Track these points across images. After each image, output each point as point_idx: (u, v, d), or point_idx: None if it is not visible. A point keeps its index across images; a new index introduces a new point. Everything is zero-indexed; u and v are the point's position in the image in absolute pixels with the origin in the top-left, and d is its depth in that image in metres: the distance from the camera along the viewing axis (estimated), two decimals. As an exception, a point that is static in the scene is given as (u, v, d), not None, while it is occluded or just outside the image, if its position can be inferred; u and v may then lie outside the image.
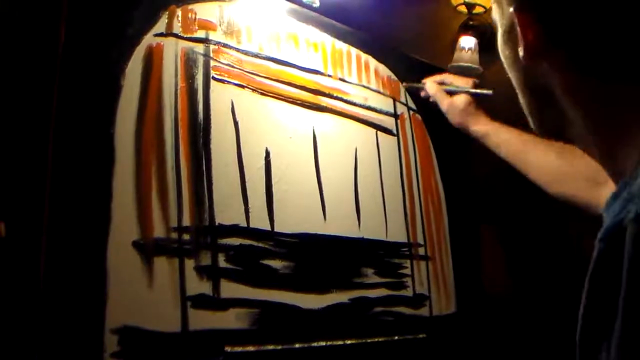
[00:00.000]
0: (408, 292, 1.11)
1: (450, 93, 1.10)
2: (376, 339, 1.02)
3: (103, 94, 0.76)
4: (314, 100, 1.05)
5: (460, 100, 1.07)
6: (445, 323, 1.16)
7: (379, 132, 1.16)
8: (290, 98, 1.00)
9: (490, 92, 1.08)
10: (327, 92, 1.07)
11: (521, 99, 0.52)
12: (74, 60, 0.74)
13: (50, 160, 0.71)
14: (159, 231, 0.78)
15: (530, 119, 0.52)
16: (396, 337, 1.05)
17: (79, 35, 0.75)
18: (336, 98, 1.09)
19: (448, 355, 1.14)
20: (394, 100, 1.23)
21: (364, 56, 1.18)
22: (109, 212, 0.73)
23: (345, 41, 1.14)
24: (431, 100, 1.12)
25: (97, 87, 0.76)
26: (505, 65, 0.52)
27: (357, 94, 1.14)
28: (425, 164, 1.25)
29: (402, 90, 1.25)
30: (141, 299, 0.74)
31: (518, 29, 0.45)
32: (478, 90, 1.09)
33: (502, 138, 1.00)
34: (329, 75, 1.09)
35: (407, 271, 1.13)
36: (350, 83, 1.13)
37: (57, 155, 0.71)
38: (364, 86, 1.16)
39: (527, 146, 0.95)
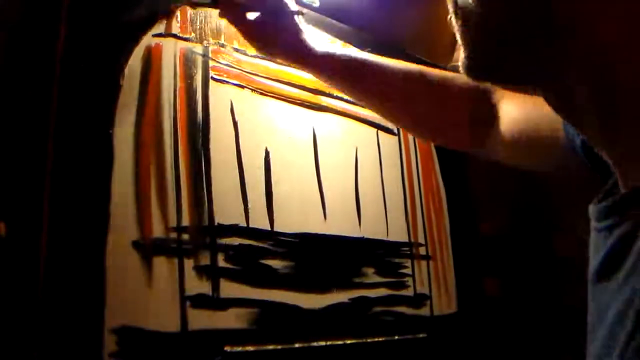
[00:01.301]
0: (409, 292, 1.11)
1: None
2: (376, 339, 1.01)
3: (102, 94, 0.76)
4: (314, 99, 1.05)
5: (280, 24, 0.76)
6: (446, 323, 1.16)
7: (379, 131, 1.16)
8: (290, 98, 1.00)
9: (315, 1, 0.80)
10: (327, 91, 1.07)
11: (490, 11, 0.41)
12: (74, 60, 0.74)
13: (50, 160, 0.71)
14: (158, 231, 0.78)
15: (488, 48, 0.42)
16: (396, 337, 1.05)
17: (79, 35, 0.75)
18: (336, 97, 1.09)
19: (449, 355, 1.14)
20: (395, 100, 1.22)
21: (364, 56, 1.18)
22: (108, 212, 0.74)
23: (345, 41, 1.14)
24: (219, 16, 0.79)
25: (96, 87, 0.76)
26: None
27: (358, 94, 1.14)
28: (426, 163, 1.25)
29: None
30: (140, 299, 0.74)
31: None
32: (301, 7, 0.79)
33: (361, 58, 0.77)
34: (329, 75, 1.09)
35: (408, 271, 1.12)
36: (350, 83, 1.13)
37: (57, 156, 0.71)
38: (364, 86, 1.16)
39: (407, 68, 0.75)
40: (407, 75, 0.75)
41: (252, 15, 0.77)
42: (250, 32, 0.78)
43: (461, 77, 0.65)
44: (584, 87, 0.39)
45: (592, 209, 0.42)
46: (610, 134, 0.40)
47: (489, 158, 0.73)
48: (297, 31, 0.77)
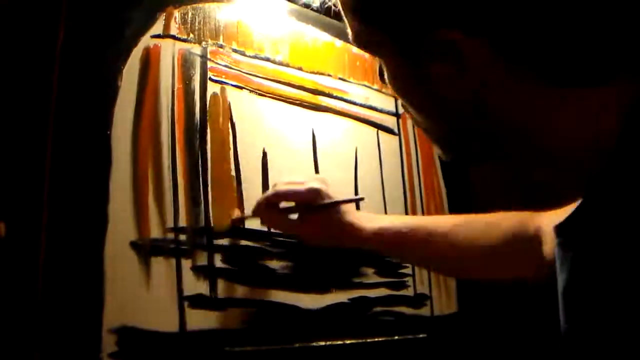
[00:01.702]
0: (409, 292, 1.11)
1: (311, 210, 0.80)
2: (376, 339, 1.01)
3: (100, 95, 0.77)
4: (313, 100, 1.05)
5: (314, 217, 0.80)
6: (447, 323, 1.16)
7: (380, 131, 1.16)
8: (288, 98, 1.00)
9: (362, 197, 0.86)
10: (326, 91, 1.07)
11: (433, 126, 0.50)
12: (72, 61, 0.75)
13: (49, 161, 0.71)
14: (155, 232, 0.78)
15: (447, 146, 0.51)
16: (396, 337, 1.05)
17: (77, 36, 0.75)
18: (336, 97, 1.09)
19: (449, 356, 1.14)
20: (396, 99, 1.22)
21: (365, 55, 1.18)
22: (106, 213, 0.74)
23: (345, 40, 1.14)
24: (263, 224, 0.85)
25: (94, 88, 0.76)
26: (406, 96, 0.49)
27: (358, 93, 1.14)
28: (427, 163, 1.25)
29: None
30: (138, 299, 0.75)
31: (463, 53, 0.42)
32: (349, 198, 0.84)
33: (409, 227, 0.81)
34: (329, 75, 1.09)
35: (408, 271, 1.12)
36: (350, 82, 1.13)
37: (55, 156, 0.71)
38: (364, 85, 1.16)
39: (452, 226, 0.80)
40: (453, 232, 0.80)
41: (293, 215, 0.82)
42: (300, 231, 0.83)
43: (504, 219, 0.78)
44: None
45: (553, 227, 0.47)
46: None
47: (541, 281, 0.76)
48: (339, 219, 0.81)
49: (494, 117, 0.46)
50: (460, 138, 0.49)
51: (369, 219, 0.83)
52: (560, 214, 0.64)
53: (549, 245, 0.70)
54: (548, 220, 0.72)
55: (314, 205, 0.80)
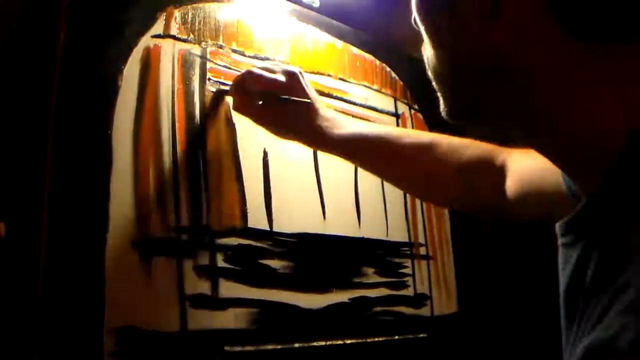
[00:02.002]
0: (409, 292, 1.11)
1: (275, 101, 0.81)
2: (376, 339, 1.01)
3: (101, 95, 0.77)
4: (313, 100, 1.05)
5: (290, 111, 0.81)
6: (447, 323, 1.16)
7: (379, 131, 1.16)
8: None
9: (308, 100, 0.82)
10: (327, 91, 1.07)
11: (443, 78, 0.47)
12: (73, 61, 0.74)
13: (49, 160, 0.71)
14: (157, 231, 0.78)
15: (451, 97, 0.48)
16: (397, 337, 1.05)
17: (78, 36, 0.75)
18: (336, 98, 1.09)
19: (449, 356, 1.14)
20: (395, 100, 1.22)
21: (365, 55, 1.18)
22: (107, 213, 0.74)
23: (345, 41, 1.14)
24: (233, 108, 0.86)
25: (95, 88, 0.76)
26: (431, 38, 0.47)
27: (358, 94, 1.14)
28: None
29: (403, 89, 1.25)
30: (140, 299, 0.75)
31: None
32: (294, 98, 0.81)
33: (375, 136, 0.81)
34: (329, 75, 1.09)
35: (408, 271, 1.12)
36: (350, 82, 1.13)
37: (56, 156, 0.71)
38: (364, 85, 1.16)
39: (418, 142, 0.80)
40: (417, 149, 0.80)
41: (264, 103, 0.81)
42: (263, 119, 0.83)
43: (469, 146, 0.77)
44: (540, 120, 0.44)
45: (557, 226, 0.45)
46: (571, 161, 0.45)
47: (499, 217, 0.77)
48: (311, 117, 0.81)
49: (516, 74, 0.43)
50: (470, 88, 0.46)
51: (337, 124, 0.83)
52: (530, 154, 0.63)
53: (512, 180, 0.71)
54: (515, 157, 0.72)
55: (275, 98, 0.80)
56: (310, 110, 0.82)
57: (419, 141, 0.82)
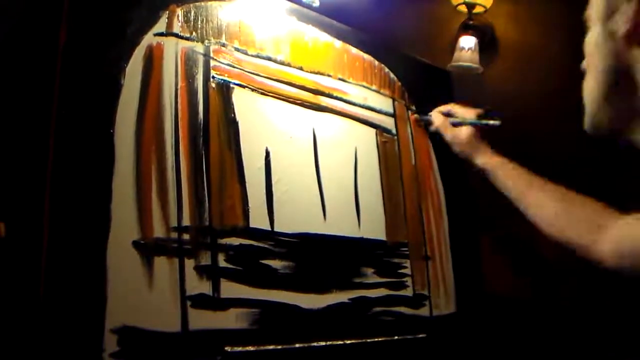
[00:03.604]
0: (408, 292, 1.11)
1: (456, 125, 1.13)
2: (376, 339, 1.02)
3: (103, 93, 0.76)
4: (314, 99, 1.05)
5: (464, 131, 1.11)
6: (445, 323, 1.16)
7: (378, 131, 1.16)
8: (290, 98, 1.00)
9: (497, 122, 1.09)
10: (327, 91, 1.07)
11: (596, 85, 0.51)
12: (75, 59, 0.74)
13: (51, 160, 0.70)
14: (158, 231, 0.77)
15: (596, 109, 0.52)
16: (396, 337, 1.05)
17: (80, 34, 0.75)
18: (336, 98, 1.09)
19: (448, 356, 1.14)
20: (393, 100, 1.23)
21: (364, 56, 1.18)
22: (109, 212, 0.73)
23: (345, 41, 1.14)
24: (432, 130, 1.16)
25: (97, 87, 0.76)
26: (594, 44, 0.51)
27: (357, 94, 1.14)
28: (425, 163, 1.25)
29: (401, 90, 1.25)
30: (141, 299, 0.74)
31: None
32: (484, 121, 1.11)
33: (507, 174, 1.02)
34: (329, 75, 1.09)
35: (407, 271, 1.13)
36: (349, 82, 1.13)
37: (58, 155, 0.71)
38: (363, 86, 1.16)
39: (531, 186, 0.97)
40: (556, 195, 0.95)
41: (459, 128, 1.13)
42: (451, 134, 1.13)
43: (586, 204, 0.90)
44: None
45: None
46: None
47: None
48: (479, 139, 1.10)
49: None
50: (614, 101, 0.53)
51: (492, 155, 1.08)
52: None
53: (605, 246, 0.82)
54: (618, 226, 0.82)
55: (472, 121, 1.12)
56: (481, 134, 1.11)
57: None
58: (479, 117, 1.13)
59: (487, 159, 1.07)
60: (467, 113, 1.15)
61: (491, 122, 1.11)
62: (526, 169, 1.01)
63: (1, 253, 0.68)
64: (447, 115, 1.16)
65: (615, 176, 1.33)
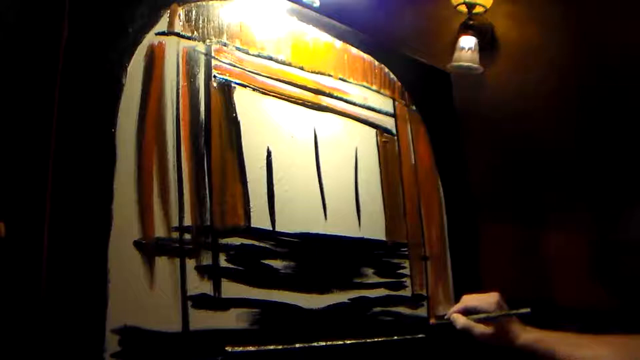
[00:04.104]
0: (407, 292, 1.11)
1: (483, 321, 1.05)
2: (376, 339, 1.02)
3: (105, 92, 0.76)
4: (315, 99, 1.05)
5: (495, 325, 1.04)
6: (445, 323, 1.16)
7: (379, 131, 1.17)
8: (291, 97, 1.00)
9: (527, 310, 1.04)
10: (327, 91, 1.07)
11: None
12: (76, 59, 0.74)
13: (51, 159, 0.70)
14: (160, 231, 0.77)
15: None
16: (395, 337, 1.06)
17: (81, 33, 0.74)
18: (337, 98, 1.09)
19: (447, 356, 1.14)
20: (393, 100, 1.23)
21: (364, 56, 1.18)
22: (110, 212, 0.73)
23: (345, 41, 1.14)
24: (459, 328, 1.07)
25: (98, 86, 0.75)
26: None
27: (357, 94, 1.14)
28: (424, 163, 1.25)
29: (401, 90, 1.25)
30: (142, 299, 0.74)
31: None
32: (513, 312, 1.04)
33: (553, 340, 1.00)
34: (329, 75, 1.09)
35: (406, 271, 1.13)
36: (350, 82, 1.13)
37: (58, 155, 0.71)
38: (363, 86, 1.16)
39: (580, 345, 0.97)
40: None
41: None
42: (486, 337, 1.04)
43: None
44: None
45: None
46: None
47: None
48: (509, 327, 1.04)
49: None
50: None
51: (526, 329, 1.05)
52: None
53: None
54: None
55: (499, 314, 1.05)
56: (508, 320, 1.05)
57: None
58: (501, 307, 1.05)
59: (528, 335, 1.03)
60: (487, 304, 1.06)
61: (521, 311, 1.04)
62: (573, 333, 1.01)
63: (1, 253, 0.68)
64: (467, 312, 1.07)
65: (615, 175, 1.33)
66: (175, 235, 0.79)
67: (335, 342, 0.95)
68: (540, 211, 1.44)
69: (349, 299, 1.00)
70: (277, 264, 0.90)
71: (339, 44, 1.13)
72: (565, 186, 1.28)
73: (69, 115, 0.72)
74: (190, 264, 0.80)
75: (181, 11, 0.87)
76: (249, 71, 0.94)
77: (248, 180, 0.89)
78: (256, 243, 0.88)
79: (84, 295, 0.69)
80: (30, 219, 0.69)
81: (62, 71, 0.72)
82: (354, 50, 1.16)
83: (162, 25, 0.83)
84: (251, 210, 0.88)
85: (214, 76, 0.89)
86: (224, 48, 0.91)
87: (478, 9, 1.53)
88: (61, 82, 0.72)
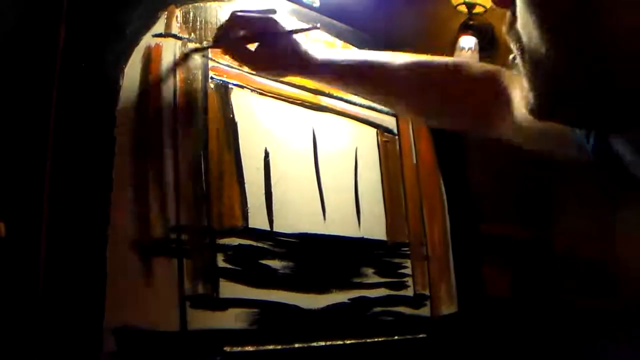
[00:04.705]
0: (408, 292, 1.11)
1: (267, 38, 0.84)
2: (376, 339, 1.01)
3: (102, 94, 0.76)
4: (314, 99, 1.05)
5: (278, 46, 0.83)
6: (446, 323, 1.16)
7: (379, 131, 1.16)
8: (289, 98, 1.00)
9: (317, 25, 0.88)
10: (327, 91, 1.07)
11: (564, 62, 0.42)
12: (73, 60, 0.74)
13: (49, 160, 0.71)
14: (157, 231, 0.78)
15: (560, 95, 0.44)
16: (396, 337, 1.05)
17: (79, 35, 0.75)
18: (336, 97, 1.09)
19: (449, 356, 1.14)
20: (394, 100, 1.22)
21: (364, 56, 1.18)
22: (107, 212, 0.73)
23: (345, 40, 1.14)
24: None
25: (96, 88, 0.76)
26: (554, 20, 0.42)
27: (357, 93, 1.14)
28: (426, 162, 1.25)
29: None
30: (140, 299, 0.74)
31: None
32: (305, 26, 0.87)
33: (361, 60, 0.82)
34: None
35: (408, 271, 1.12)
36: (350, 82, 1.13)
37: (56, 156, 0.71)
38: (364, 86, 1.16)
39: (411, 64, 0.78)
40: (410, 68, 0.78)
41: (251, 46, 0.85)
42: (253, 61, 0.86)
43: (468, 66, 0.73)
44: None
45: None
46: None
47: (506, 141, 0.72)
48: (294, 48, 0.84)
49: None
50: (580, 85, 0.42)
51: (320, 51, 0.85)
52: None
53: (517, 105, 0.66)
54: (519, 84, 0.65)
55: (270, 33, 0.83)
56: (292, 43, 0.84)
57: (411, 61, 0.80)
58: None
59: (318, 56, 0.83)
60: (254, 22, 0.84)
61: (310, 25, 0.86)
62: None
63: (1, 253, 0.68)
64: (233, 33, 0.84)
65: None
66: (172, 235, 0.79)
67: (335, 342, 0.95)
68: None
69: (348, 299, 0.99)
70: (275, 264, 0.90)
71: (339, 43, 1.13)
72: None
73: (67, 117, 0.72)
74: (188, 264, 0.80)
75: (178, 13, 0.87)
76: (247, 72, 0.94)
77: (245, 180, 0.90)
78: (254, 243, 0.88)
79: (82, 295, 0.70)
80: (28, 219, 0.69)
81: (59, 72, 0.72)
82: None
83: (159, 26, 0.84)
84: (249, 210, 0.89)
85: (211, 77, 0.89)
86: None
87: (478, 9, 1.53)
88: (58, 84, 0.72)
